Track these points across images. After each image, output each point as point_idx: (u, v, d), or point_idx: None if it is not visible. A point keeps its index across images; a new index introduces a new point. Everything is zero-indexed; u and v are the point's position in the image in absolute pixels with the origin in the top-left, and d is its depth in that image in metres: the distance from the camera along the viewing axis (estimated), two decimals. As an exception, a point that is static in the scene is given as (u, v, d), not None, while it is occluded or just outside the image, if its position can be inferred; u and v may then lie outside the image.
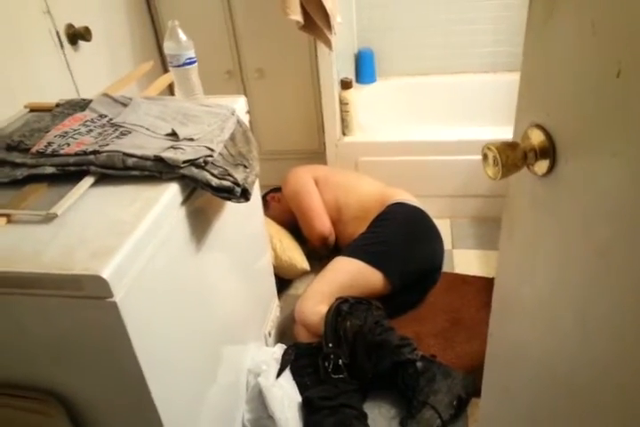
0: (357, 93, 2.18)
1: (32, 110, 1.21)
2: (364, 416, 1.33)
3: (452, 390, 1.31)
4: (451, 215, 2.12)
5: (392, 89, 2.48)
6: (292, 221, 1.92)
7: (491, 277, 1.77)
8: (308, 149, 2.19)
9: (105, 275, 0.68)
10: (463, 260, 1.91)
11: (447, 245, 1.92)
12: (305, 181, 1.84)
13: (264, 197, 2.00)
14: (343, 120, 2.05)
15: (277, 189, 2.05)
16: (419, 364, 1.35)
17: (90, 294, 0.70)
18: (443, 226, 1.76)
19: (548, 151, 0.61)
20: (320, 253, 1.86)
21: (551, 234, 0.65)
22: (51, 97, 1.23)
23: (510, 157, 0.62)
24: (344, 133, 2.08)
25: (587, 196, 0.56)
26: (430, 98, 2.45)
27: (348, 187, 1.84)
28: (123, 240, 0.74)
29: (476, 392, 1.35)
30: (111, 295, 0.70)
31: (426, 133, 2.04)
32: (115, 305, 0.71)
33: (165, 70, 2.17)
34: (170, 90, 1.45)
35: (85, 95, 1.38)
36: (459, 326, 1.59)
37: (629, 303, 0.52)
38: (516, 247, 0.76)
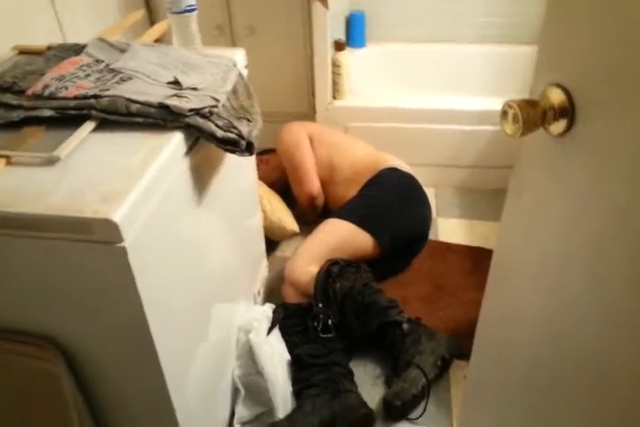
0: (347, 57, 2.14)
1: (21, 52, 1.16)
2: (351, 374, 1.36)
3: (436, 351, 1.35)
4: (436, 184, 2.14)
5: (381, 55, 2.44)
6: (281, 181, 1.92)
7: (474, 245, 1.81)
8: (298, 111, 2.16)
9: (116, 219, 0.67)
10: (447, 228, 1.94)
11: (432, 213, 1.94)
12: (299, 138, 1.82)
13: None
14: (335, 83, 2.02)
15: (264, 152, 2.03)
16: (405, 325, 1.39)
17: (99, 238, 0.69)
18: (428, 194, 1.78)
19: (567, 112, 0.61)
20: (307, 216, 1.86)
21: (565, 194, 0.66)
22: (36, 42, 1.17)
23: (531, 115, 0.62)
24: (335, 97, 2.06)
25: (604, 153, 0.57)
26: (419, 66, 2.43)
27: (343, 148, 1.83)
28: (133, 184, 0.72)
29: (459, 354, 1.40)
30: (121, 240, 0.69)
31: (417, 101, 2.03)
32: (124, 250, 0.69)
33: (152, 22, 2.09)
34: (164, 40, 1.39)
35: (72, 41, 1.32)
36: (442, 291, 1.63)
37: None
38: (524, 209, 0.76)
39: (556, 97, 0.62)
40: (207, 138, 0.89)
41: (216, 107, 0.91)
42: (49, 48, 1.14)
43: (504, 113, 0.64)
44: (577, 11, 0.61)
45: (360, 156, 1.81)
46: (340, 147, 1.84)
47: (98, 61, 1.06)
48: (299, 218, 1.87)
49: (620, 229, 0.56)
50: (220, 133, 0.89)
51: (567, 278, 0.67)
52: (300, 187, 1.82)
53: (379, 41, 2.48)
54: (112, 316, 0.78)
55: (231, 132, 0.91)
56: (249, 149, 0.94)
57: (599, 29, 0.56)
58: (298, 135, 1.84)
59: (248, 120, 0.99)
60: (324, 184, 1.82)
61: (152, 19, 2.09)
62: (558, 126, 0.63)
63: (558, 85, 0.63)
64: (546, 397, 0.76)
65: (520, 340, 0.82)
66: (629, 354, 0.56)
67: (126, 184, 0.73)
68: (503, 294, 0.87)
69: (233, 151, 0.92)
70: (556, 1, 0.65)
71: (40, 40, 1.17)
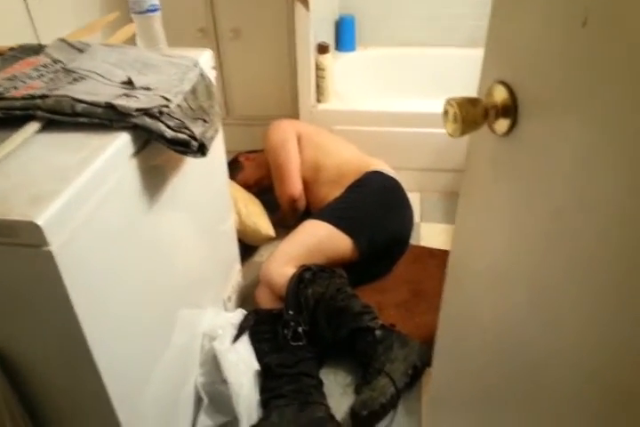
0: (335, 61, 2.12)
1: (-18, 53, 1.14)
2: (321, 384, 1.33)
3: (407, 358, 1.32)
4: (421, 189, 2.11)
5: (371, 59, 2.43)
6: (265, 179, 1.91)
7: (456, 251, 1.78)
8: (282, 115, 2.13)
9: (40, 221, 0.64)
10: (430, 233, 1.91)
11: (415, 218, 1.90)
12: (287, 136, 1.80)
13: (236, 159, 1.96)
14: (318, 86, 2.00)
15: (249, 153, 2.01)
16: (377, 332, 1.35)
17: (24, 241, 0.66)
18: (413, 199, 1.75)
19: (510, 110, 0.59)
20: (288, 219, 1.84)
21: (509, 195, 0.63)
22: (8, 43, 1.16)
23: (470, 113, 0.60)
24: (319, 100, 2.04)
25: (546, 155, 0.55)
26: (409, 70, 2.42)
27: (330, 149, 1.81)
28: (64, 187, 0.70)
29: (431, 362, 1.36)
30: (46, 244, 0.66)
31: (401, 105, 2.01)
32: (49, 254, 0.67)
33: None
34: (135, 41, 1.38)
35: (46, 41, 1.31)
36: (420, 297, 1.60)
37: (581, 267, 0.51)
38: (473, 210, 0.74)
39: (500, 95, 0.60)
40: (156, 138, 0.87)
41: (167, 107, 0.88)
42: (11, 49, 1.12)
43: (445, 112, 0.61)
44: (520, 9, 0.59)
45: (346, 158, 1.79)
46: (327, 148, 1.82)
47: (55, 62, 1.04)
48: (279, 221, 1.84)
49: (558, 230, 0.53)
50: (169, 134, 0.87)
51: (513, 282, 0.64)
52: (282, 188, 1.80)
53: (368, 45, 2.47)
54: (44, 321, 0.75)
55: (182, 132, 0.89)
56: (201, 150, 0.91)
57: (541, 27, 0.54)
58: (286, 133, 1.82)
59: (204, 121, 0.96)
60: (307, 184, 1.80)
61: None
62: (502, 125, 0.60)
63: (502, 83, 0.60)
64: (499, 402, 0.74)
65: (474, 344, 0.79)
66: (570, 357, 0.54)
67: (58, 186, 0.70)
68: (458, 298, 0.85)
69: (184, 152, 0.90)
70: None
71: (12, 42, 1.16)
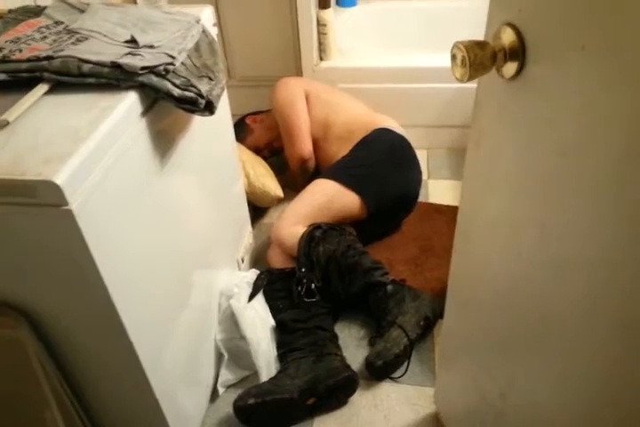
0: (337, 17, 2.07)
1: (-19, 17, 1.12)
2: (336, 337, 1.37)
3: (419, 311, 1.35)
4: (428, 146, 2.10)
5: (373, 13, 2.36)
6: (274, 140, 1.89)
7: (464, 206, 1.78)
8: (284, 75, 2.09)
9: (58, 180, 0.65)
10: (438, 190, 1.91)
11: (423, 175, 1.90)
12: (296, 95, 1.77)
13: (243, 121, 1.94)
14: (320, 43, 1.96)
15: (255, 113, 1.99)
16: (389, 287, 1.38)
17: (44, 201, 0.67)
18: (420, 156, 1.73)
19: (518, 52, 0.58)
20: (298, 180, 1.83)
21: (516, 139, 0.64)
22: (4, 6, 1.14)
23: (479, 57, 0.59)
24: (321, 58, 2.00)
25: (553, 97, 0.55)
26: (411, 24, 2.35)
27: (339, 106, 1.78)
28: (77, 147, 0.70)
29: (443, 314, 1.39)
30: (66, 203, 0.67)
31: (405, 60, 1.97)
32: (70, 213, 0.68)
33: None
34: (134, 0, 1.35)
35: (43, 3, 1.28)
36: (429, 252, 1.62)
37: (587, 204, 0.51)
38: (482, 156, 0.74)
39: (508, 37, 0.59)
40: (163, 97, 0.86)
41: (172, 64, 0.88)
42: (10, 11, 1.11)
43: (453, 56, 0.61)
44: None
45: (355, 114, 1.77)
46: (336, 105, 1.79)
47: (57, 23, 1.02)
48: (289, 183, 1.85)
49: (565, 170, 0.54)
50: (176, 92, 0.86)
51: (521, 229, 0.65)
52: (291, 148, 1.79)
53: (370, 0, 2.40)
54: (70, 282, 0.77)
55: (189, 90, 0.88)
56: (209, 108, 0.91)
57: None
58: (294, 92, 1.79)
59: (210, 79, 0.96)
60: (317, 142, 1.79)
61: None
62: (510, 68, 0.60)
63: (510, 25, 0.59)
64: (508, 346, 0.76)
65: (484, 294, 0.81)
66: (576, 297, 0.55)
67: (72, 146, 0.70)
68: (468, 251, 0.86)
69: (192, 111, 0.89)
70: None
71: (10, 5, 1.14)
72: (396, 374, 1.29)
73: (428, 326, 1.36)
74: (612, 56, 0.45)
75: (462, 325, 0.96)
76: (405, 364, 1.30)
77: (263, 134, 1.91)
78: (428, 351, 1.34)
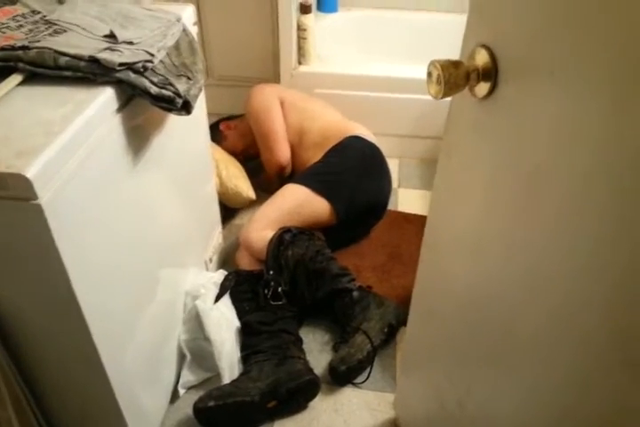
0: (317, 22, 2.09)
1: (-46, 2, 1.09)
2: (300, 341, 1.37)
3: (384, 317, 1.36)
4: (400, 155, 2.13)
5: (354, 21, 2.39)
6: (249, 146, 1.88)
7: (433, 216, 1.81)
8: (262, 76, 2.11)
9: (29, 174, 0.64)
10: (407, 199, 1.94)
11: (394, 184, 1.92)
12: (270, 102, 1.77)
13: (216, 127, 1.92)
14: (300, 48, 1.97)
15: (228, 119, 1.98)
16: (355, 293, 1.39)
17: (13, 194, 0.66)
18: (391, 165, 1.76)
19: (491, 73, 0.61)
20: (272, 184, 1.83)
21: (486, 158, 0.66)
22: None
23: (453, 76, 0.61)
24: (300, 62, 2.01)
25: (524, 117, 0.57)
26: (391, 34, 2.38)
27: (314, 113, 1.79)
28: (50, 140, 0.69)
29: (407, 321, 1.41)
30: (35, 197, 0.66)
31: (383, 69, 1.99)
32: (39, 208, 0.67)
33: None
34: None
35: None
36: (396, 260, 1.64)
37: (556, 221, 0.53)
38: (451, 173, 0.76)
39: (482, 58, 0.61)
40: (140, 94, 0.86)
41: (151, 62, 0.87)
42: (-16, -3, 1.08)
43: (429, 74, 0.62)
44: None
45: (329, 121, 1.78)
46: (311, 112, 1.80)
47: (34, 12, 1.01)
48: (262, 185, 1.84)
49: (535, 189, 0.56)
50: (154, 90, 0.86)
51: (489, 242, 0.67)
52: (269, 155, 1.79)
53: (351, 7, 2.42)
54: (33, 275, 0.76)
55: (167, 89, 0.88)
56: (185, 107, 0.91)
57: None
58: (269, 99, 1.79)
59: (188, 78, 0.95)
60: (292, 148, 1.79)
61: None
62: (482, 88, 0.62)
63: (484, 46, 0.61)
64: (469, 356, 0.78)
65: (448, 303, 0.83)
66: (545, 314, 0.57)
67: (44, 140, 0.69)
68: (434, 260, 0.88)
69: (169, 109, 0.89)
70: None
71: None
72: (358, 380, 1.30)
73: (391, 332, 1.38)
74: (579, 83, 0.47)
75: (425, 333, 0.98)
76: (368, 370, 1.31)
77: (237, 141, 1.89)
78: (390, 358, 1.36)
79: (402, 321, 1.39)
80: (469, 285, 0.75)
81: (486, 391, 0.73)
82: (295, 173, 1.81)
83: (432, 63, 0.61)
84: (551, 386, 0.56)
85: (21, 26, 0.95)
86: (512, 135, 0.58)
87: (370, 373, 1.31)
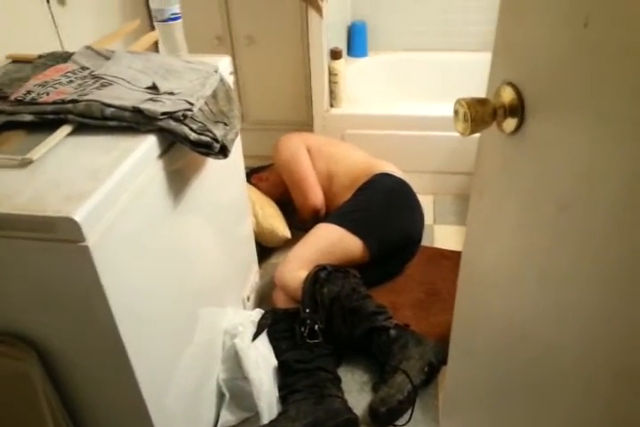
0: (348, 66, 2.16)
1: (14, 61, 1.19)
2: (338, 380, 1.36)
3: (423, 356, 1.34)
4: (434, 192, 2.14)
5: (383, 64, 2.46)
6: (283, 195, 1.92)
7: (470, 251, 1.79)
8: (296, 120, 2.18)
9: (77, 217, 0.68)
10: (443, 235, 1.93)
11: (429, 220, 1.93)
12: (297, 150, 1.83)
13: (249, 181, 1.98)
14: (331, 92, 2.04)
15: (259, 169, 2.04)
16: (392, 331, 1.38)
17: (62, 237, 0.70)
18: (426, 202, 1.77)
19: (517, 109, 0.62)
20: (307, 224, 1.86)
21: (517, 192, 0.66)
22: (35, 52, 1.21)
23: (480, 113, 0.63)
24: (332, 105, 2.07)
25: (552, 153, 0.57)
26: (421, 75, 2.44)
27: (339, 156, 1.84)
28: (97, 186, 0.74)
29: (447, 360, 1.38)
30: (83, 239, 0.70)
31: (413, 108, 2.04)
32: (87, 249, 0.71)
33: (153, 30, 2.13)
34: (156, 48, 1.43)
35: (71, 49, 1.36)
36: (434, 297, 1.62)
37: (588, 255, 0.53)
38: (485, 205, 0.77)
39: (508, 95, 0.63)
40: (181, 141, 0.91)
41: (190, 110, 0.92)
42: (40, 56, 1.18)
43: (456, 112, 0.64)
44: (526, 13, 0.62)
45: (355, 162, 1.82)
46: (337, 156, 1.85)
47: (83, 68, 1.08)
48: (298, 224, 1.87)
49: (565, 225, 0.56)
50: (193, 136, 0.91)
51: (522, 277, 0.66)
52: (304, 200, 1.82)
53: (380, 50, 2.50)
54: (81, 316, 0.79)
55: (205, 135, 0.93)
56: (223, 151, 0.95)
57: (546, 29, 0.57)
58: (296, 147, 1.84)
59: (225, 124, 1.00)
60: (324, 193, 1.83)
61: (153, 27, 2.14)
62: (510, 124, 0.63)
63: (510, 84, 0.63)
64: (509, 396, 0.76)
65: (485, 341, 0.82)
66: (581, 347, 0.56)
67: (92, 185, 0.74)
68: (470, 297, 0.87)
69: (207, 154, 0.94)
70: (507, 2, 0.66)
71: (40, 51, 1.21)
72: (400, 422, 1.27)
73: (432, 372, 1.35)
74: (607, 118, 0.47)
75: (466, 371, 0.96)
76: (409, 411, 1.28)
77: (271, 192, 1.93)
78: (431, 398, 1.33)
79: (442, 360, 1.36)
80: (504, 321, 0.74)
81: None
82: (328, 214, 1.84)
83: (458, 101, 0.63)
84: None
85: (71, 81, 1.02)
86: (541, 170, 0.59)
87: (412, 414, 1.28)
